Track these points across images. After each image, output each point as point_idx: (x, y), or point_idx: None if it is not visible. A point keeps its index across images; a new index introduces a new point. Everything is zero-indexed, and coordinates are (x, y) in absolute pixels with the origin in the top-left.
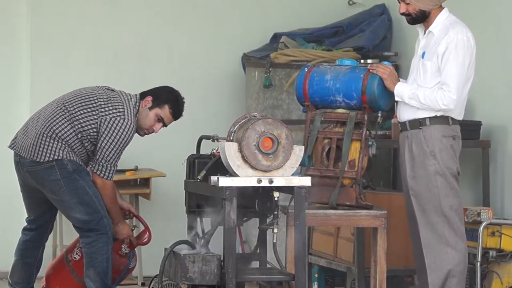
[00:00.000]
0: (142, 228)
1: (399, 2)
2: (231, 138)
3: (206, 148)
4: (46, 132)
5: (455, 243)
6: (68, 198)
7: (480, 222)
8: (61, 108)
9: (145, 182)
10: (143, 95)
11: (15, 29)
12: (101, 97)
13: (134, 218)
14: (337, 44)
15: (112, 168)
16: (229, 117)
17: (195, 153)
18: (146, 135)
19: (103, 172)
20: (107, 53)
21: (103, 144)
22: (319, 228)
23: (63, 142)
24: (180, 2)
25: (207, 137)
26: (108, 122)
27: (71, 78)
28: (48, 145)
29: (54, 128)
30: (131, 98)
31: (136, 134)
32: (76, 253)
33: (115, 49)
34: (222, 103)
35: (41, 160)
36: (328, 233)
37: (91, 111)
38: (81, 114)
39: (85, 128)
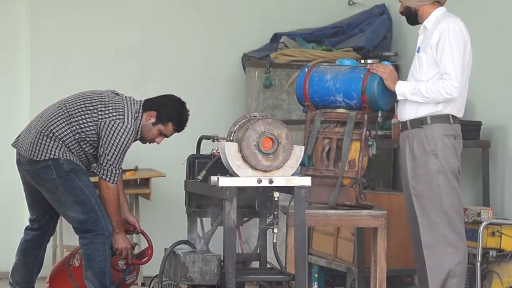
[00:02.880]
0: (144, 247)
1: (400, 1)
2: (231, 138)
3: (206, 148)
4: (44, 132)
5: (456, 243)
6: (65, 198)
7: (480, 222)
8: (61, 109)
9: (145, 182)
10: (147, 104)
11: (15, 30)
12: (104, 100)
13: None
14: (337, 44)
15: (116, 172)
16: (229, 117)
17: (195, 153)
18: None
19: (108, 176)
20: (107, 53)
21: (104, 148)
22: (319, 228)
23: (60, 142)
24: (180, 2)
25: (207, 137)
26: (107, 126)
27: (71, 79)
28: (45, 145)
29: (52, 127)
30: (133, 104)
31: None
32: (77, 259)
33: (115, 49)
34: (222, 103)
35: (38, 159)
36: (328, 233)
37: (91, 113)
38: (80, 115)
39: (84, 129)
